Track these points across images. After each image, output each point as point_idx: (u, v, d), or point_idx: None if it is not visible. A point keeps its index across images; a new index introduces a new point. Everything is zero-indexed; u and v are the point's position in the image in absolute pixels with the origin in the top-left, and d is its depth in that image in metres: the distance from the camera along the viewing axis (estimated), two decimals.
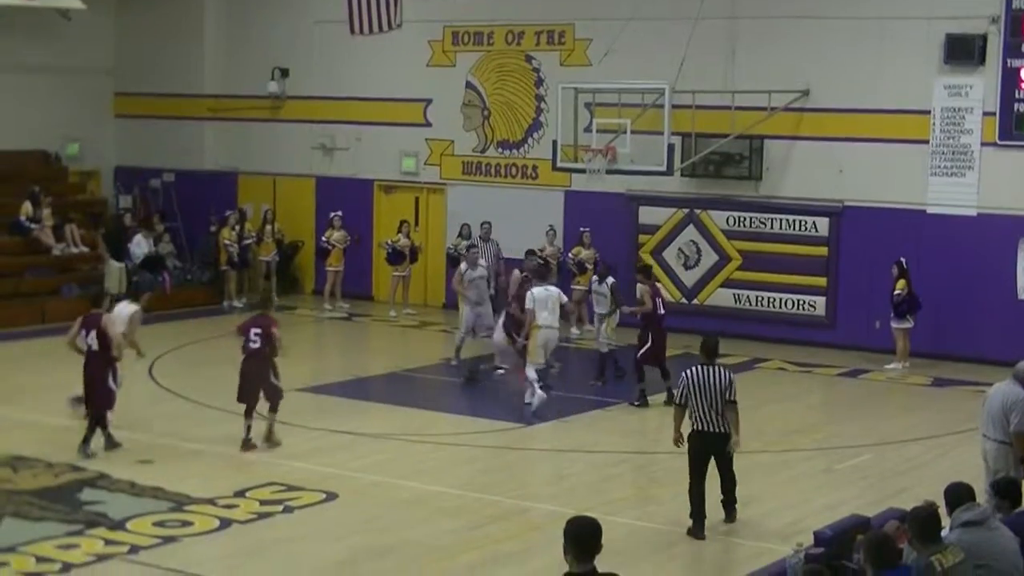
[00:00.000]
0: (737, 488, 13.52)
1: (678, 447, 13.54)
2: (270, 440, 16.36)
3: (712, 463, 13.35)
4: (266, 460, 15.77)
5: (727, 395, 13.17)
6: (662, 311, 19.23)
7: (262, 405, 16.35)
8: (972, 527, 9.06)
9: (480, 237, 25.31)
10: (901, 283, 22.01)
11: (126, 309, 17.50)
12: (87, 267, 27.00)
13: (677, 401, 13.48)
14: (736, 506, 13.50)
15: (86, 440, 15.90)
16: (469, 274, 21.76)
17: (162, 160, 30.58)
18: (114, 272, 25.99)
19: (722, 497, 13.47)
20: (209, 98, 30.33)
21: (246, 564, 12.33)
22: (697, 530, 13.22)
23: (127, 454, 15.83)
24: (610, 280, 20.23)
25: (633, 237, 25.80)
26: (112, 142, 31.04)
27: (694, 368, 13.41)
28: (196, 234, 29.39)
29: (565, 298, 19.43)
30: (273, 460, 15.78)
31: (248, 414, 16.28)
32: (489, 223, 25.38)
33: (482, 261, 22.47)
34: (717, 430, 13.19)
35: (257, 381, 16.26)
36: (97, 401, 16.05)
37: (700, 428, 13.21)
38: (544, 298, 18.68)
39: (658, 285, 20.28)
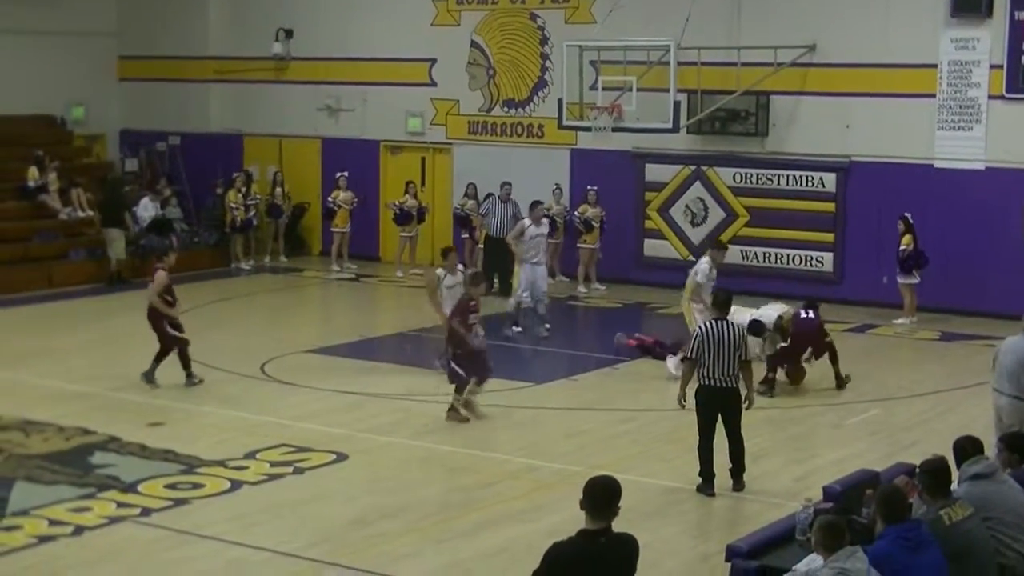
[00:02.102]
0: (745, 455, 13.40)
1: (681, 406, 13.52)
2: (467, 409, 16.06)
3: (720, 423, 13.31)
4: (275, 422, 15.79)
5: (740, 354, 13.11)
6: (804, 316, 17.58)
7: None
8: (980, 480, 9.09)
9: (500, 198, 25.18)
10: (907, 239, 21.97)
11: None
12: (93, 231, 26.97)
13: (689, 355, 13.40)
14: (744, 474, 13.37)
15: (189, 375, 17.37)
16: (532, 231, 20.97)
17: (167, 123, 30.54)
18: (117, 238, 25.85)
19: (730, 465, 13.34)
20: (214, 60, 30.26)
21: (257, 525, 12.35)
22: (707, 487, 13.23)
23: (137, 417, 15.87)
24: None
25: (639, 195, 25.76)
26: (117, 105, 31.01)
27: (708, 322, 13.41)
28: (202, 197, 29.37)
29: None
30: (283, 422, 15.80)
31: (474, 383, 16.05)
32: (510, 183, 25.17)
33: (544, 220, 21.64)
34: (724, 386, 13.14)
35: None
36: (164, 343, 17.34)
37: (707, 384, 13.17)
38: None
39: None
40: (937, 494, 8.64)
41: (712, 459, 13.23)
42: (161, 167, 30.29)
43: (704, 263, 18.43)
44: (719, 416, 13.25)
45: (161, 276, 17.48)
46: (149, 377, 17.27)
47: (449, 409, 15.95)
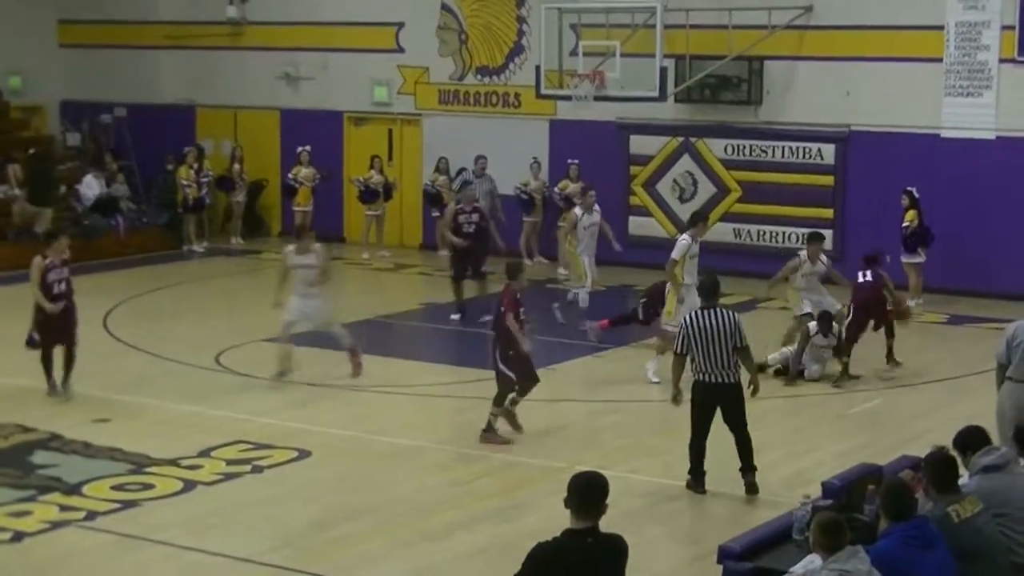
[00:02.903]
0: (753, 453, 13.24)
1: (676, 404, 13.36)
2: (488, 436, 14.87)
3: (720, 419, 13.13)
4: (232, 416, 15.76)
5: (735, 341, 12.92)
6: (862, 279, 18.08)
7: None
8: (992, 472, 9.09)
9: (474, 173, 25.17)
10: (911, 214, 22.02)
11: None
12: (20, 209, 26.77)
13: (676, 350, 13.21)
14: (756, 475, 13.10)
15: (50, 384, 16.46)
16: (585, 219, 20.70)
17: (113, 93, 30.41)
18: (46, 219, 25.62)
19: (739, 465, 13.12)
20: (163, 25, 30.13)
21: (213, 529, 12.33)
22: (696, 485, 13.20)
23: (82, 412, 15.80)
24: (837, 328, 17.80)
25: (624, 169, 25.77)
26: (58, 74, 30.83)
27: (694, 312, 13.23)
28: (151, 173, 29.25)
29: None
30: (240, 416, 15.76)
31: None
32: (485, 157, 25.20)
33: (597, 206, 21.26)
34: (722, 380, 12.96)
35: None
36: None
37: (703, 379, 12.99)
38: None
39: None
40: (944, 489, 8.65)
41: (704, 457, 13.18)
42: (106, 141, 30.18)
43: (684, 239, 17.95)
44: (718, 413, 13.09)
45: (35, 264, 16.32)
46: (57, 389, 16.51)
47: (485, 429, 14.83)
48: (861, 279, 18.12)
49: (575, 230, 20.71)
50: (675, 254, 17.50)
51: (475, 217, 21.14)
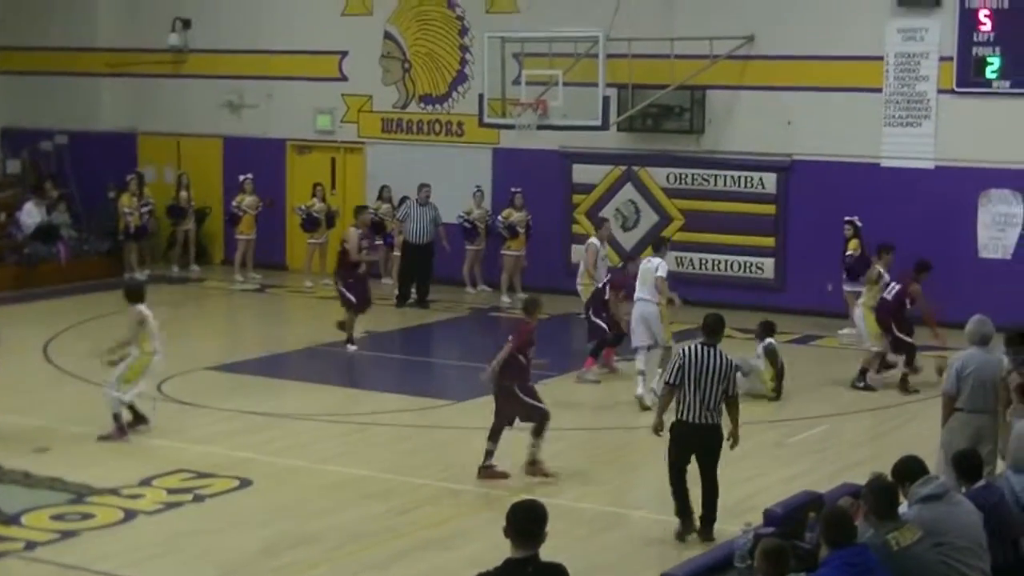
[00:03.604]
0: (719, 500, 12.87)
1: (658, 435, 13.00)
2: (534, 469, 14.60)
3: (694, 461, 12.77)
4: (173, 445, 15.67)
5: (725, 385, 12.54)
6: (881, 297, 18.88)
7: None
8: (932, 502, 9.13)
9: (418, 201, 25.19)
10: (854, 243, 22.17)
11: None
12: None
13: (668, 380, 12.78)
14: (715, 523, 12.73)
15: None
16: (602, 251, 20.61)
17: (54, 120, 30.18)
18: None
19: (701, 512, 12.74)
20: (105, 52, 29.99)
21: (154, 558, 12.27)
22: (685, 528, 12.72)
23: (21, 441, 15.66)
24: (768, 341, 18.55)
25: (567, 197, 25.84)
26: None
27: (692, 346, 12.75)
28: (93, 201, 29.09)
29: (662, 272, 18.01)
30: (181, 445, 15.68)
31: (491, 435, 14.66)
32: (428, 186, 25.22)
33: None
34: (701, 421, 12.55)
35: (500, 395, 14.63)
36: None
37: (683, 418, 12.61)
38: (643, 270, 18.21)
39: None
40: (884, 516, 8.70)
41: (688, 497, 12.71)
42: (47, 168, 29.97)
43: (664, 263, 18.14)
44: (692, 453, 12.70)
45: None
46: None
47: (530, 462, 14.58)
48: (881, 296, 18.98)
49: (596, 264, 20.38)
50: (662, 272, 18.06)
51: (365, 243, 21.18)
